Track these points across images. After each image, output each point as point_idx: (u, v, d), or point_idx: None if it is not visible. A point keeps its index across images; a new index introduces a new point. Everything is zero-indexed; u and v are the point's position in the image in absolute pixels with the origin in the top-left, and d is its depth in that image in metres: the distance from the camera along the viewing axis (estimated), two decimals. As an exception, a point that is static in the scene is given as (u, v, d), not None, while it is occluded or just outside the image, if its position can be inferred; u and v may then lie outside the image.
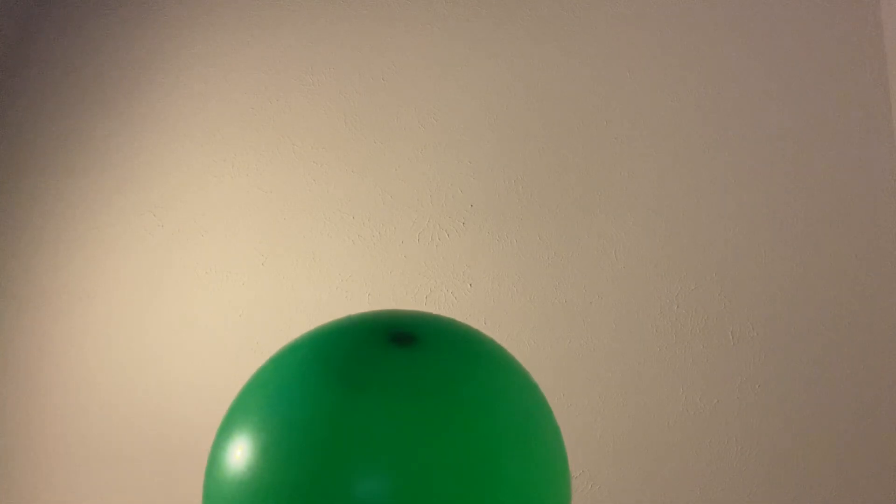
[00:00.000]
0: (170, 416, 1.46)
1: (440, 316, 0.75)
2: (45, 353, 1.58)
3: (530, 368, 1.34)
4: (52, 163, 1.70)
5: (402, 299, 1.41)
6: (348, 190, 1.50)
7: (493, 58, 1.51)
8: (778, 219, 1.29)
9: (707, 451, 1.22)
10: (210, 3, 1.72)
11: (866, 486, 1.16)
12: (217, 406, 1.44)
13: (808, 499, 1.17)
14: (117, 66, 1.73)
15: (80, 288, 1.59)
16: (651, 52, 1.43)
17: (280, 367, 0.68)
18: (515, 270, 1.38)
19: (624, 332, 1.30)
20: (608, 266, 1.34)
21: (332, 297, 1.44)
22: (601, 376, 1.29)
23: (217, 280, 1.51)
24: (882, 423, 1.18)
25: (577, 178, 1.40)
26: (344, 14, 1.62)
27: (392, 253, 1.44)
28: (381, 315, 0.71)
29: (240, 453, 0.61)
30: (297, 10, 1.65)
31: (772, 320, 1.25)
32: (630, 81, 1.42)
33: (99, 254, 1.60)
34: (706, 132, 1.36)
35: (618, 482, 1.25)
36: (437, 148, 1.48)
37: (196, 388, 1.46)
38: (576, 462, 1.24)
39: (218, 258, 1.52)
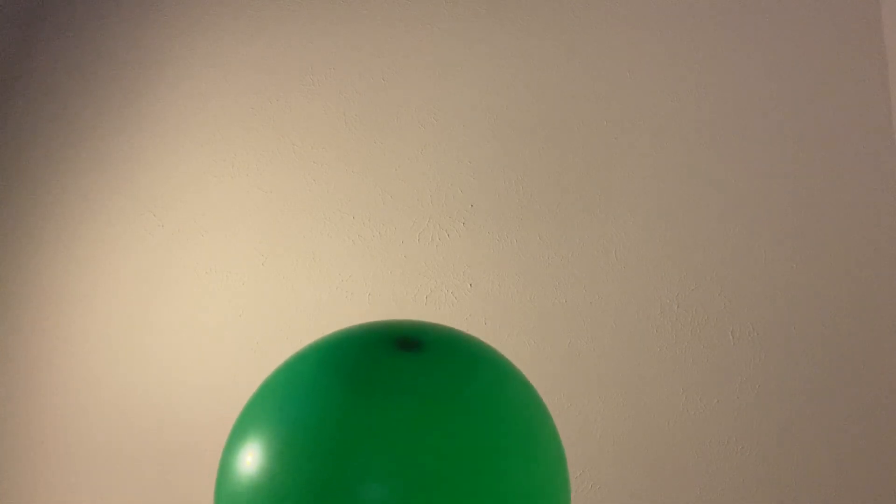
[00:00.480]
0: (170, 415, 1.46)
1: (444, 325, 0.77)
2: (45, 353, 1.58)
3: (531, 368, 1.34)
4: (52, 163, 1.70)
5: (402, 299, 1.41)
6: (348, 190, 1.50)
7: (493, 58, 1.51)
8: (778, 219, 1.29)
9: (707, 451, 1.22)
10: (210, 3, 1.72)
11: (866, 486, 1.16)
12: (217, 406, 1.44)
13: (808, 499, 1.17)
14: (117, 67, 1.73)
15: (80, 288, 1.59)
16: (651, 52, 1.43)
17: (290, 373, 0.69)
18: (515, 270, 1.38)
19: (624, 332, 1.30)
20: (608, 266, 1.34)
21: (332, 297, 1.44)
22: (601, 376, 1.29)
23: (217, 280, 1.51)
24: (882, 423, 1.18)
25: (577, 178, 1.40)
26: (344, 14, 1.62)
27: (392, 253, 1.44)
28: (387, 324, 0.73)
29: (251, 458, 0.62)
30: (297, 10, 1.65)
31: (772, 320, 1.25)
32: (630, 81, 1.42)
33: (99, 254, 1.60)
34: (706, 132, 1.36)
35: (618, 482, 1.25)
36: (437, 148, 1.48)
37: (196, 387, 1.46)
38: (576, 462, 1.24)
39: (218, 258, 1.52)
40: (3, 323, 1.63)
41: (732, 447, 1.22)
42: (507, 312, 1.36)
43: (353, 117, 1.54)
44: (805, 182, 1.29)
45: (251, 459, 0.62)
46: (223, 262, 1.52)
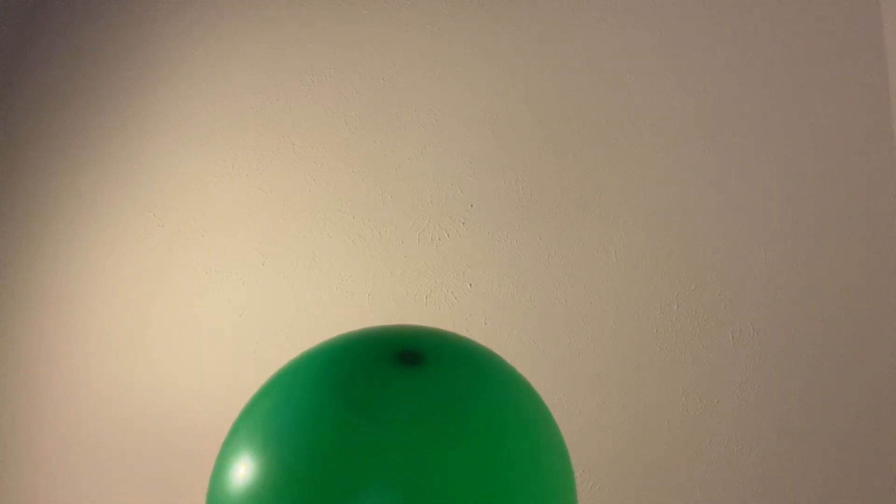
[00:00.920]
0: (169, 416, 1.46)
1: (444, 331, 0.73)
2: (44, 353, 1.57)
3: (531, 369, 1.35)
4: (52, 163, 1.70)
5: (402, 299, 1.41)
6: (348, 190, 1.50)
7: (493, 58, 1.51)
8: (778, 219, 1.29)
9: (707, 451, 1.22)
10: (210, 3, 1.72)
11: (866, 486, 1.16)
12: (217, 406, 1.44)
13: (808, 499, 1.17)
14: (117, 67, 1.73)
15: (80, 288, 1.59)
16: (651, 52, 1.43)
17: (283, 388, 0.66)
18: (515, 270, 1.38)
19: (624, 332, 1.30)
20: (608, 266, 1.34)
21: (332, 297, 1.44)
22: (601, 376, 1.29)
23: (217, 280, 1.51)
24: (882, 423, 1.17)
25: (577, 178, 1.40)
26: (344, 14, 1.62)
27: (392, 253, 1.44)
28: (387, 332, 0.70)
29: (242, 475, 0.60)
30: (297, 10, 1.65)
31: (772, 320, 1.25)
32: (630, 81, 1.42)
33: (99, 254, 1.60)
34: (706, 132, 1.36)
35: (618, 482, 1.24)
36: (437, 148, 1.48)
37: (196, 388, 1.46)
38: (576, 462, 1.24)
39: (218, 258, 1.52)
40: (2, 323, 1.63)
41: (732, 447, 1.22)
42: (507, 312, 1.36)
43: (353, 117, 1.54)
44: (805, 182, 1.29)
45: (243, 476, 0.60)
46: (223, 262, 1.52)
